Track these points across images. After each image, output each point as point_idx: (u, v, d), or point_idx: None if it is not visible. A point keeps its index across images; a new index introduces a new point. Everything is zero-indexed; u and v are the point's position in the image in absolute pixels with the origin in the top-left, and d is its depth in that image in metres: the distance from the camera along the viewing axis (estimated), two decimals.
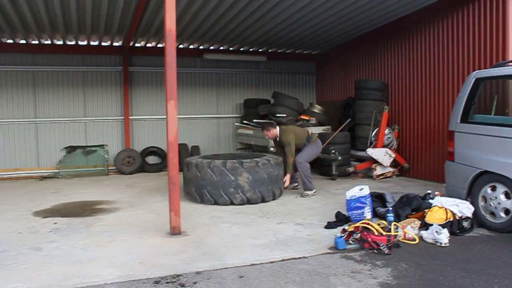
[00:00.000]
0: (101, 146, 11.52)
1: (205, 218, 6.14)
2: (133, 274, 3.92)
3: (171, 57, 5.18)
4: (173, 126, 5.24)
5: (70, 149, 11.41)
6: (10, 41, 10.80)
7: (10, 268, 4.19)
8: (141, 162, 11.56)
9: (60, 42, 11.18)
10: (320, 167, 10.29)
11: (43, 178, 10.75)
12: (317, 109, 11.30)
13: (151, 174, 11.43)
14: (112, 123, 11.98)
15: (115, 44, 11.58)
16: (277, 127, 7.93)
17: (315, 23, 9.98)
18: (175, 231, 5.20)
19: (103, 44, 11.50)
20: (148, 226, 5.70)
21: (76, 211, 6.78)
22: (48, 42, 11.07)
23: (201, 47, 12.39)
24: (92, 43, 11.40)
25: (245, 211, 6.59)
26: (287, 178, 7.71)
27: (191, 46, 12.28)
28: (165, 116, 12.06)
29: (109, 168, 11.54)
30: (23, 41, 10.87)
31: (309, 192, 7.69)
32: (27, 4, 8.07)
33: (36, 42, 10.97)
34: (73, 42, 11.25)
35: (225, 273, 3.93)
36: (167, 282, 3.72)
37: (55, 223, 5.99)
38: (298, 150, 7.92)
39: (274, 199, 7.33)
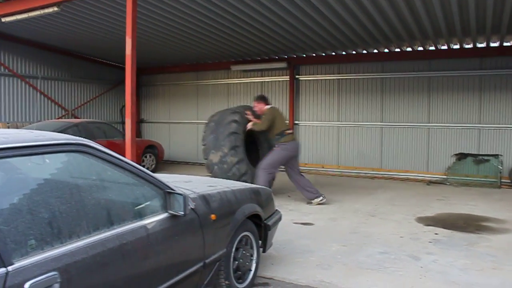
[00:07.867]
0: (495, 155, 10.54)
1: None
2: None
3: None
4: None
5: (461, 156, 10.97)
6: (409, 49, 11.32)
7: (387, 271, 4.31)
8: None
9: (457, 46, 10.89)
10: None
11: (430, 183, 10.77)
12: None
13: None
14: (509, 132, 10.78)
15: None
16: (267, 106, 7.67)
17: None
18: None
19: (504, 44, 10.46)
20: None
21: (460, 224, 6.39)
22: (445, 47, 10.97)
23: None
24: (492, 44, 10.57)
25: None
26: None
27: None
28: None
29: (502, 180, 10.36)
30: (420, 48, 11.19)
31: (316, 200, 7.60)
32: (425, 12, 8.13)
33: (433, 48, 11.07)
34: (470, 45, 10.76)
35: None
36: None
37: (436, 234, 5.82)
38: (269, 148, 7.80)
39: None
